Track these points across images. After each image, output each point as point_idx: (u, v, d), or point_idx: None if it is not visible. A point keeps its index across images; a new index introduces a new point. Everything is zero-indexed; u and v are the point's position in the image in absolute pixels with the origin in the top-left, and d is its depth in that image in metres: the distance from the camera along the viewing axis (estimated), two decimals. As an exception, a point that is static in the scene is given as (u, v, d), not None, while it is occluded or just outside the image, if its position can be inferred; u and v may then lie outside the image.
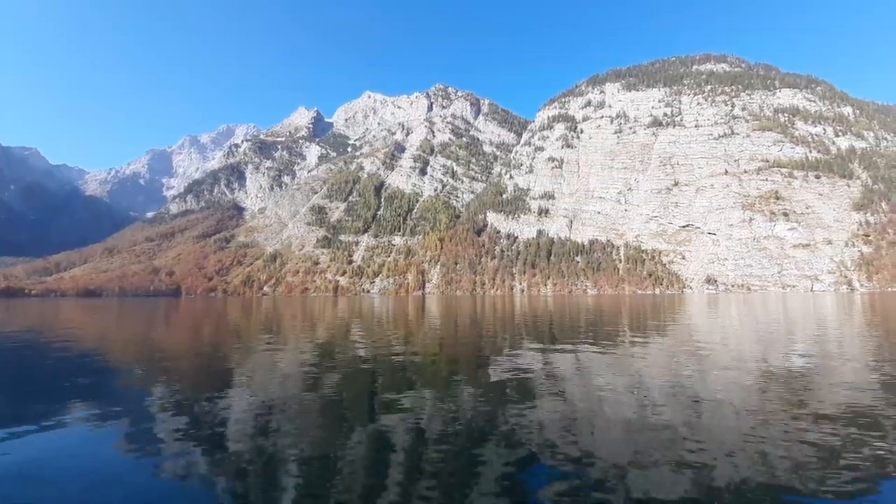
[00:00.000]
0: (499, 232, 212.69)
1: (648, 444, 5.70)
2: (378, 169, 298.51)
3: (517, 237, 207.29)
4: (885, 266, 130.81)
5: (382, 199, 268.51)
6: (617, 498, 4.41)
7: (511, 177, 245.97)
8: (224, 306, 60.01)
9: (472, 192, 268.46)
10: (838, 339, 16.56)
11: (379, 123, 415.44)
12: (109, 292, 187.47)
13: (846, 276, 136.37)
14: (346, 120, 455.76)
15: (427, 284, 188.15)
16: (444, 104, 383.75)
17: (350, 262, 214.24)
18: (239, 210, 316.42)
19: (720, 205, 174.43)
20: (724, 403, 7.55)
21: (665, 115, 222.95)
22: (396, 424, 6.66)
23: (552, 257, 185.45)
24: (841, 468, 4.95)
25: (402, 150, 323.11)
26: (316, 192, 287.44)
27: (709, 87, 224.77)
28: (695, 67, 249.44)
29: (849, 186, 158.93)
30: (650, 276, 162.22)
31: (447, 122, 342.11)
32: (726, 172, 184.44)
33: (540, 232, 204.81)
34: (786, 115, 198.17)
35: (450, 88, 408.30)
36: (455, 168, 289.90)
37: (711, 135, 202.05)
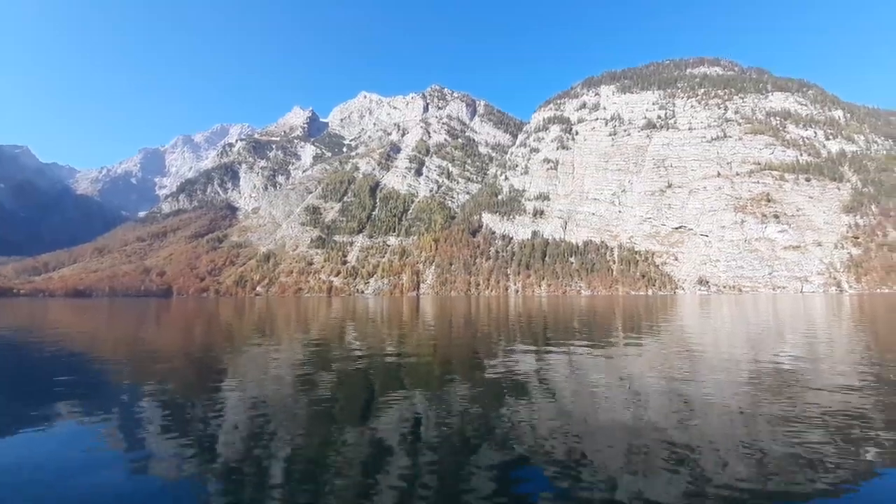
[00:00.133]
0: (494, 233, 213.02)
1: (642, 445, 5.70)
2: (373, 169, 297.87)
3: (512, 238, 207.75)
4: (874, 268, 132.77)
5: (377, 200, 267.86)
6: (612, 498, 4.39)
7: (506, 178, 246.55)
8: (216, 307, 59.50)
9: (468, 193, 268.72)
10: (827, 340, 16.75)
11: (374, 124, 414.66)
12: (99, 292, 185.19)
13: (835, 278, 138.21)
14: (341, 120, 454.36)
15: (422, 285, 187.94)
16: (440, 105, 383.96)
17: (344, 263, 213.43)
18: (232, 210, 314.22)
19: (712, 207, 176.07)
20: (715, 404, 7.58)
21: (659, 117, 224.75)
22: (390, 426, 6.61)
23: (547, 258, 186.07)
24: (830, 467, 4.98)
25: (398, 150, 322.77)
26: (310, 192, 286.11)
27: (702, 90, 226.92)
28: (688, 70, 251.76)
29: (839, 189, 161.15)
30: (643, 277, 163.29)
31: (443, 123, 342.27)
32: (719, 175, 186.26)
33: (535, 233, 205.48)
34: (777, 118, 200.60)
35: (446, 89, 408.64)
36: (451, 169, 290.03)
37: (704, 137, 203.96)
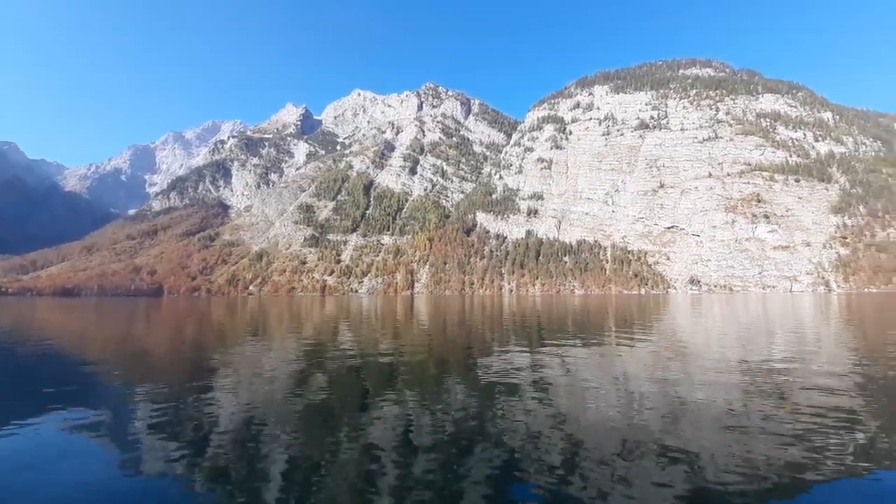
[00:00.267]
0: (488, 232, 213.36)
1: (635, 446, 5.72)
2: (367, 168, 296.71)
3: (506, 237, 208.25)
4: (861, 268, 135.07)
5: (371, 198, 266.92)
6: (606, 497, 4.40)
7: (501, 177, 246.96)
8: (208, 306, 58.93)
9: (462, 192, 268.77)
10: (815, 339, 16.99)
11: (369, 122, 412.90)
12: (88, 291, 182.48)
13: (824, 278, 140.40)
14: (335, 118, 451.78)
15: (416, 284, 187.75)
16: (435, 104, 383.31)
17: (338, 262, 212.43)
18: (224, 208, 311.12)
19: (704, 207, 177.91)
20: (707, 403, 7.64)
21: (652, 118, 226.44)
22: (383, 427, 6.57)
23: (541, 257, 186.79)
24: (820, 466, 5.03)
25: (392, 148, 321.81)
26: (304, 191, 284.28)
27: (694, 91, 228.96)
28: (681, 72, 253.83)
29: (827, 190, 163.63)
30: (636, 276, 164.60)
31: (437, 122, 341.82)
32: (710, 175, 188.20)
33: (529, 232, 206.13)
34: (768, 119, 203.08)
35: (440, 88, 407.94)
36: (445, 168, 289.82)
37: (696, 138, 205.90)
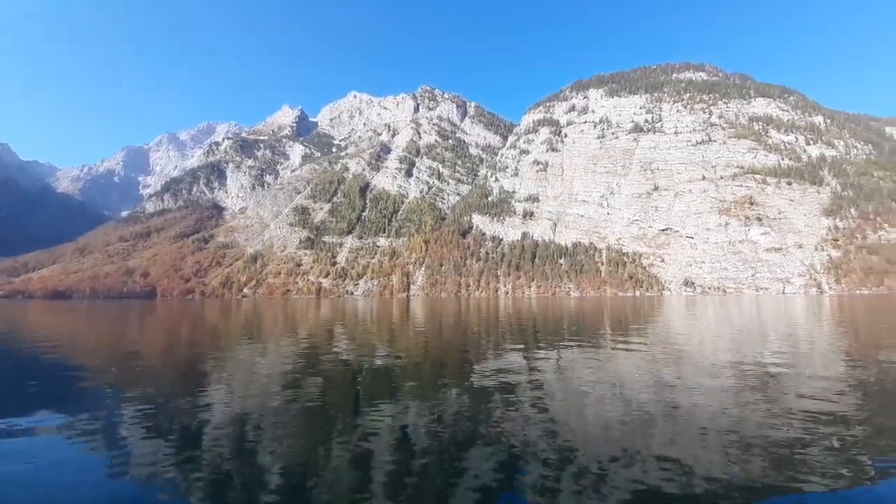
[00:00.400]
0: (484, 234, 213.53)
1: (630, 449, 5.74)
2: (363, 170, 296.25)
3: (502, 239, 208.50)
4: (853, 270, 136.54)
5: (367, 201, 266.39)
6: (600, 498, 4.40)
7: (496, 179, 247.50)
8: (202, 309, 58.47)
9: (458, 194, 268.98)
10: (807, 339, 17.15)
11: (365, 124, 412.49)
12: (80, 294, 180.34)
13: (816, 279, 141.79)
14: (331, 120, 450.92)
15: (412, 286, 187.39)
16: (431, 106, 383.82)
17: (334, 264, 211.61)
18: (219, 210, 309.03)
19: (698, 209, 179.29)
20: (701, 406, 7.68)
21: (646, 121, 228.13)
22: (379, 430, 6.54)
23: (536, 259, 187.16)
24: (814, 467, 5.07)
25: (388, 151, 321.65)
26: (299, 193, 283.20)
27: (688, 94, 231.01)
28: (675, 76, 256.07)
29: (819, 193, 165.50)
30: (631, 278, 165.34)
31: (433, 124, 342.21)
32: (704, 178, 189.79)
33: (524, 234, 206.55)
34: (760, 123, 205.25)
35: (436, 90, 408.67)
36: (441, 170, 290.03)
37: (690, 141, 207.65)
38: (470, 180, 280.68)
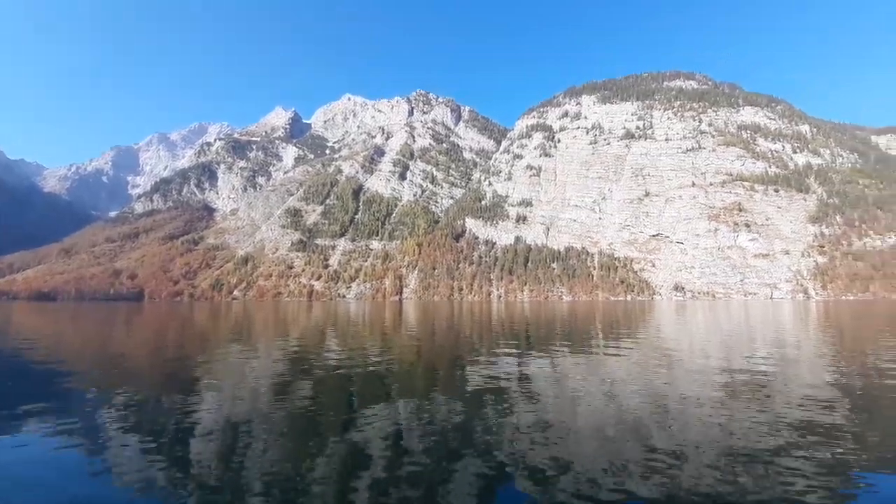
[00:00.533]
0: (477, 238, 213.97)
1: (622, 454, 5.71)
2: (357, 172, 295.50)
3: (495, 243, 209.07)
4: (838, 276, 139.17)
5: (361, 203, 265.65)
6: (594, 500, 4.37)
7: (490, 183, 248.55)
8: (190, 311, 57.63)
9: (452, 198, 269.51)
10: (794, 344, 17.36)
11: (359, 126, 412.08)
12: (65, 295, 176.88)
13: (803, 285, 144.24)
14: (324, 122, 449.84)
15: (404, 290, 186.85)
16: (425, 110, 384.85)
17: (326, 267, 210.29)
18: (209, 211, 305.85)
19: (688, 215, 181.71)
20: (692, 409, 7.69)
21: (637, 128, 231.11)
22: (370, 435, 6.44)
23: (529, 264, 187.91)
24: (801, 464, 5.08)
25: (382, 153, 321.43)
26: (292, 194, 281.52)
27: (678, 102, 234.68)
28: (665, 84, 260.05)
29: (805, 200, 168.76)
30: (622, 282, 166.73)
31: (428, 128, 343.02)
32: (693, 184, 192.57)
33: (517, 238, 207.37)
34: (748, 131, 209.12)
35: (431, 94, 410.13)
36: (435, 173, 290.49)
37: (680, 148, 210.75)
38: (463, 184, 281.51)
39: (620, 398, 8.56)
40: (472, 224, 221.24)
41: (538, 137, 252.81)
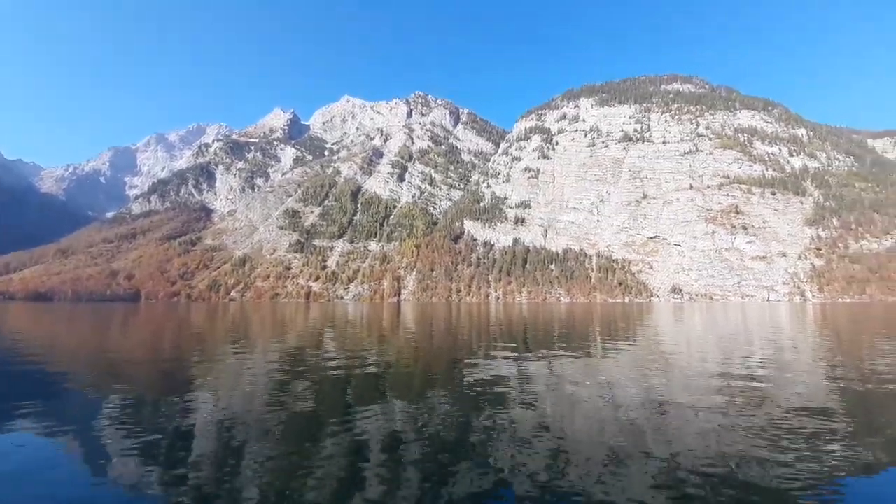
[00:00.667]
0: (475, 239, 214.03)
1: (619, 457, 5.71)
2: (355, 174, 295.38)
3: (493, 245, 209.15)
4: (835, 278, 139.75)
5: (359, 205, 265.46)
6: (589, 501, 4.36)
7: (488, 185, 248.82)
8: (187, 312, 57.41)
9: (450, 200, 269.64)
10: (791, 346, 17.42)
11: (357, 128, 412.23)
12: (62, 296, 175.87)
13: (799, 288, 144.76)
14: (323, 123, 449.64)
15: (403, 291, 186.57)
16: (424, 111, 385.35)
17: (324, 268, 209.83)
18: (207, 212, 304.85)
19: (685, 218, 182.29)
20: (689, 409, 7.70)
21: (635, 130, 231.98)
22: (367, 437, 6.42)
23: (527, 265, 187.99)
24: (796, 467, 5.09)
25: (381, 155, 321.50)
26: (290, 196, 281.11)
27: (676, 105, 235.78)
28: (663, 87, 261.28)
29: (802, 203, 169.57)
30: (620, 284, 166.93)
31: (426, 130, 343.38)
32: (691, 187, 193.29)
33: (516, 240, 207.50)
34: (745, 134, 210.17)
35: (429, 96, 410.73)
36: (433, 175, 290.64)
37: (677, 151, 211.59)
38: (462, 186, 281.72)
39: (618, 401, 8.56)
40: (470, 226, 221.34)
41: (536, 140, 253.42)
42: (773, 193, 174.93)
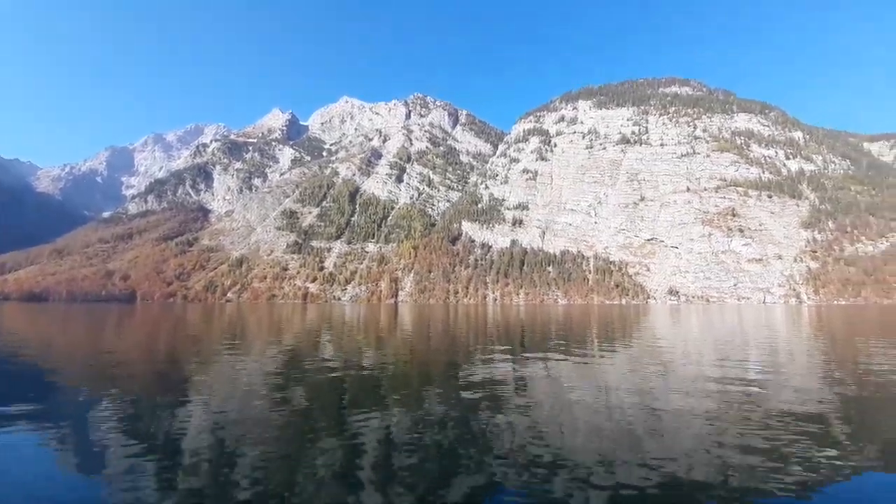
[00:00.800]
0: (473, 241, 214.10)
1: (613, 456, 5.72)
2: (353, 174, 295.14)
3: (491, 246, 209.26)
4: (830, 281, 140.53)
5: (357, 206, 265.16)
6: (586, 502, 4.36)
7: (486, 187, 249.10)
8: (183, 313, 57.16)
9: (448, 201, 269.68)
10: (787, 349, 17.49)
11: (356, 129, 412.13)
12: (57, 296, 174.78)
13: (795, 290, 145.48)
14: (321, 124, 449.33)
15: (400, 293, 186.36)
16: (423, 113, 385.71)
17: (321, 269, 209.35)
18: (204, 212, 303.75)
19: (682, 220, 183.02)
20: (685, 412, 7.72)
21: (633, 133, 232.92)
22: (364, 439, 6.41)
23: (525, 267, 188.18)
24: (791, 468, 5.11)
25: (379, 156, 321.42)
26: (288, 196, 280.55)
27: (673, 108, 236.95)
28: (661, 90, 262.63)
29: (798, 206, 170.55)
30: (617, 286, 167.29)
31: (425, 131, 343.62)
32: (688, 190, 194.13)
33: (513, 242, 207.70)
34: (742, 137, 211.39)
35: (428, 98, 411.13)
36: (432, 176, 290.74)
37: (675, 154, 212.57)
38: (460, 187, 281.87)
39: (614, 403, 8.58)
40: (468, 227, 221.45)
41: (535, 141, 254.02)
42: (770, 196, 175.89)
